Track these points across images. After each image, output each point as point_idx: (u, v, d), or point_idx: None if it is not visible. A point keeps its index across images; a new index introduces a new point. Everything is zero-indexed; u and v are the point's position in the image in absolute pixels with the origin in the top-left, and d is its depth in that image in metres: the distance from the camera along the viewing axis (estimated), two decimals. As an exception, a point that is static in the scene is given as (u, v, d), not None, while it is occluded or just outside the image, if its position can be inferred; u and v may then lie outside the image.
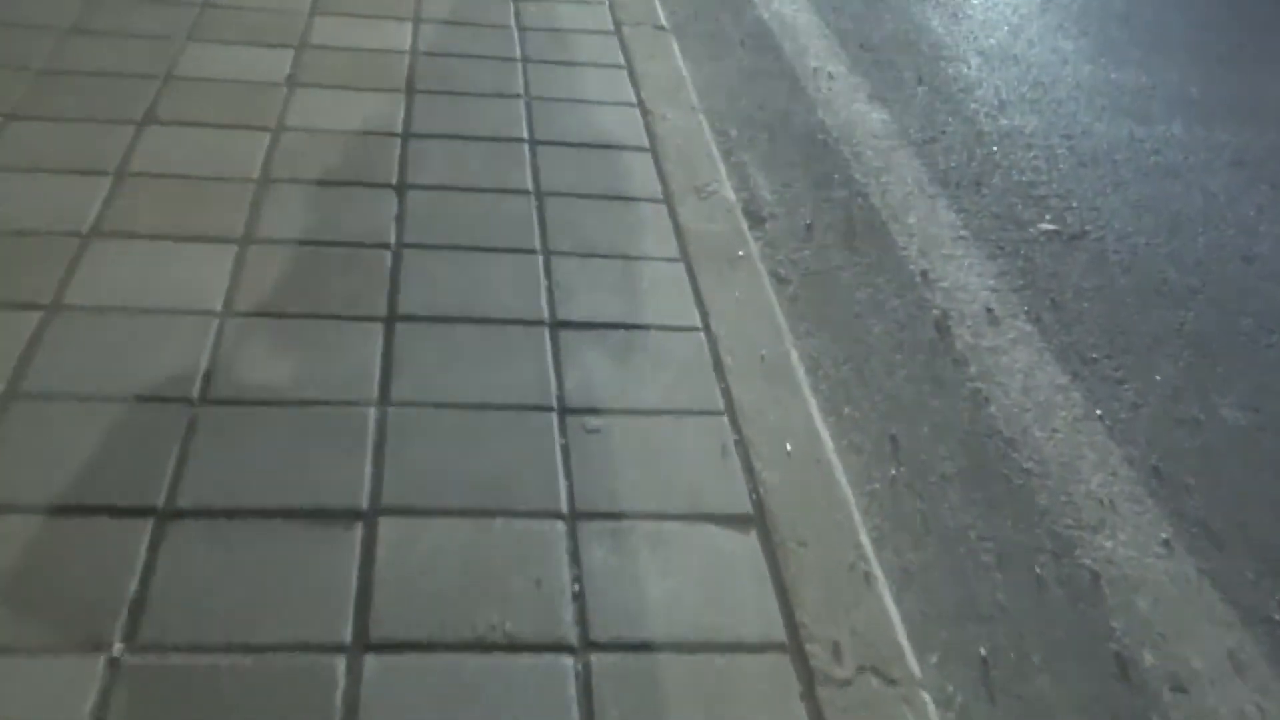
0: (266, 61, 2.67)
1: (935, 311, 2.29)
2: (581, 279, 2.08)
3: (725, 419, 1.80)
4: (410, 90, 2.63)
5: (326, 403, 1.73)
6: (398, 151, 2.39)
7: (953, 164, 2.84)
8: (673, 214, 2.29)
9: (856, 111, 3.03)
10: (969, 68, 3.40)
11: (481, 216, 2.22)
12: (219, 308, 1.90)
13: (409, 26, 2.92)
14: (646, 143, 2.51)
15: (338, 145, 2.38)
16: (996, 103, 3.18)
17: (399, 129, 2.46)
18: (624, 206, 2.30)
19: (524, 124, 2.54)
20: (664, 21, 3.14)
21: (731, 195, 2.41)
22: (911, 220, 2.57)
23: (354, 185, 2.27)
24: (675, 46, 3.03)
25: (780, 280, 2.33)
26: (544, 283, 2.06)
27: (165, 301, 1.89)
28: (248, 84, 2.58)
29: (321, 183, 2.26)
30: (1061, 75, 3.42)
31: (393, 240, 2.12)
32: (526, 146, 2.46)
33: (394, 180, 2.29)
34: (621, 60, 2.87)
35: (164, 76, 2.56)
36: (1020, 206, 2.68)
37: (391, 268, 2.06)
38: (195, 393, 1.71)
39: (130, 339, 1.81)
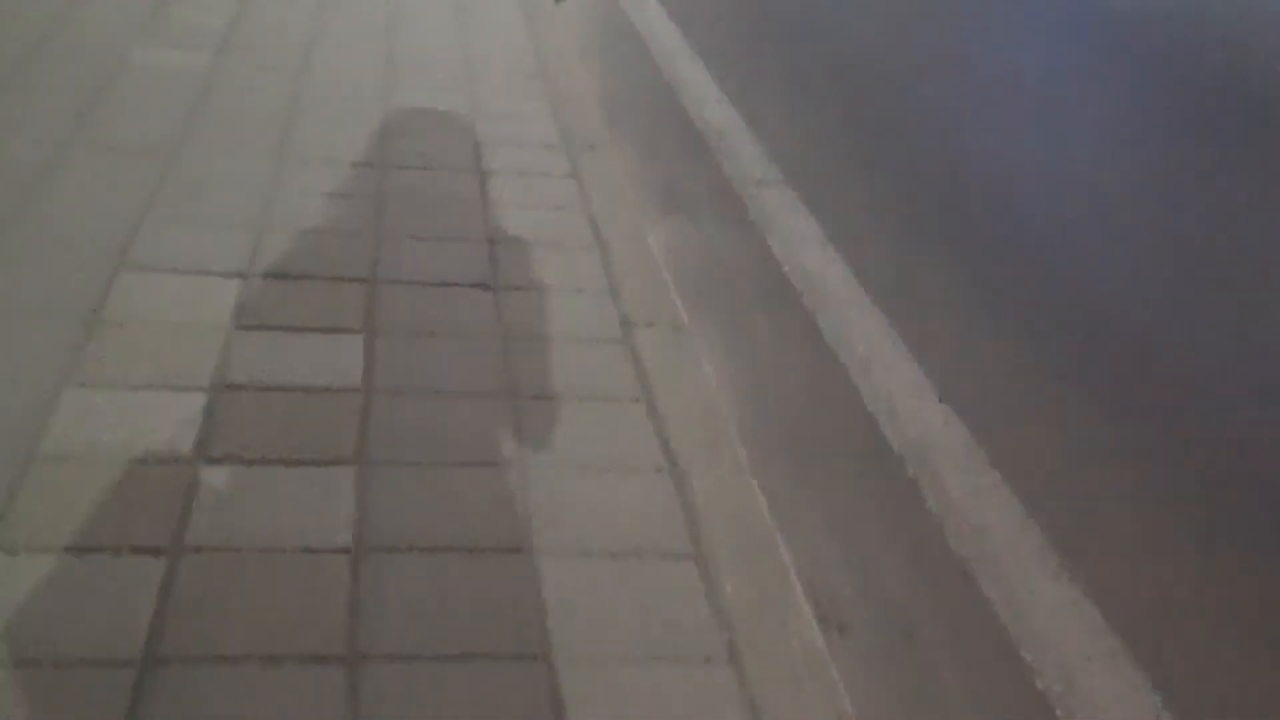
0: (168, 417, 1.98)
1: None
2: None
3: None
4: (362, 458, 1.94)
5: None
6: (346, 584, 1.68)
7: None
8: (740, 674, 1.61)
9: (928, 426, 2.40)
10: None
11: (466, 702, 1.51)
12: None
13: (360, 345, 2.25)
14: (689, 545, 1.83)
15: (262, 579, 1.67)
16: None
17: (347, 540, 1.76)
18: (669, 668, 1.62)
19: (519, 518, 1.86)
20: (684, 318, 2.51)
21: (807, 610, 1.75)
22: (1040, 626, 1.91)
23: (284, 659, 1.55)
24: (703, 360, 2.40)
25: None
26: None
27: None
28: (139, 462, 1.87)
29: (234, 659, 1.54)
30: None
31: (338, 783, 1.40)
32: (526, 560, 1.77)
33: (341, 649, 1.58)
34: (637, 390, 2.21)
35: (24, 459, 1.85)
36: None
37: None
38: None
39: None
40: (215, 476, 1.87)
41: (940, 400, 2.48)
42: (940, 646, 1.85)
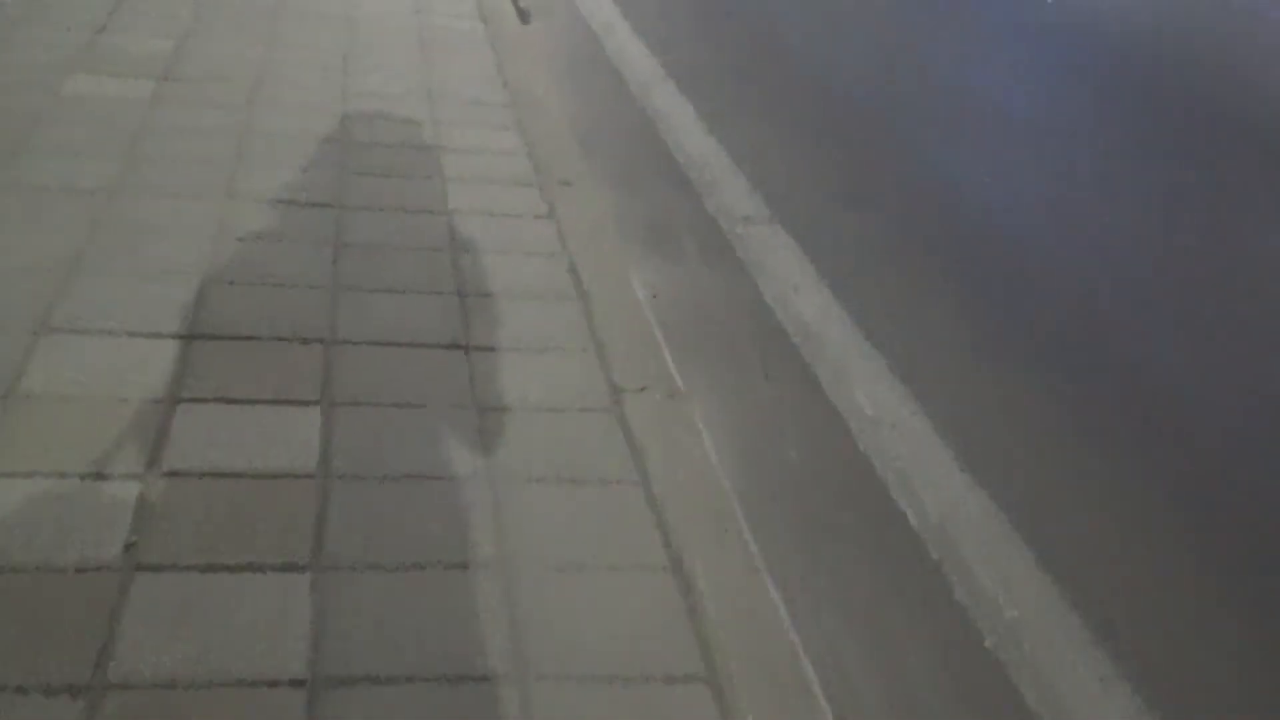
0: (95, 514, 1.70)
1: None
2: None
3: None
4: (317, 564, 1.68)
5: None
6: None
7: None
8: None
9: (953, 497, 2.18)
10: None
11: None
12: None
13: (315, 420, 1.98)
14: (700, 664, 1.59)
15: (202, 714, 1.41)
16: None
17: (302, 669, 1.49)
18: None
19: (502, 637, 1.60)
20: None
21: None
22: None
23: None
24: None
25: None
26: None
27: None
28: (58, 572, 1.60)
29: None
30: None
31: None
32: (512, 690, 1.52)
33: (293, 814, 1.32)
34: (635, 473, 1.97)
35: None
36: None
37: None
38: None
39: None
40: (148, 589, 1.60)
41: (960, 469, 2.26)
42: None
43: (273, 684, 1.46)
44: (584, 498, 1.87)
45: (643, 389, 2.18)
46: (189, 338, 2.18)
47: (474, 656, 1.54)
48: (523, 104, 3.63)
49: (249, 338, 2.21)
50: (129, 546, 1.68)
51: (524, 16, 4.63)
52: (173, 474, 1.83)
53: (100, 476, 1.81)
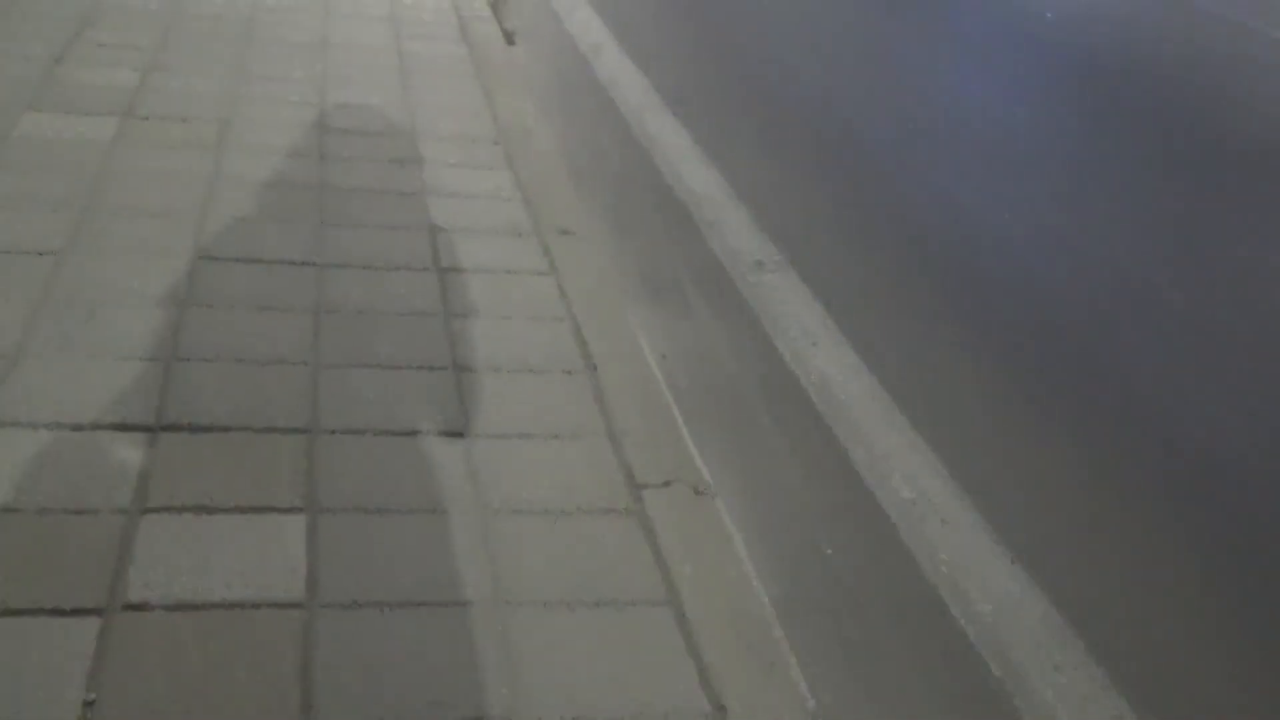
0: (41, 664, 1.46)
1: None
2: None
3: None
4: (306, 711, 1.44)
5: None
6: None
7: None
8: None
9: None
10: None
11: None
12: None
13: (301, 531, 1.74)
14: None
15: None
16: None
17: None
18: None
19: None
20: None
21: None
22: None
23: None
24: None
25: None
26: None
27: None
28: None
29: None
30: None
31: None
32: None
33: None
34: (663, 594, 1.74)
35: None
36: None
37: None
38: None
39: None
40: (105, 763, 1.35)
41: (1012, 561, 2.05)
42: None
43: None
44: (609, 625, 1.65)
45: (666, 484, 1.96)
46: (154, 430, 1.94)
47: None
48: (512, 138, 3.39)
49: (223, 429, 1.96)
50: (88, 704, 1.43)
51: (509, 38, 4.39)
52: (138, 607, 1.59)
53: (55, 612, 1.57)
